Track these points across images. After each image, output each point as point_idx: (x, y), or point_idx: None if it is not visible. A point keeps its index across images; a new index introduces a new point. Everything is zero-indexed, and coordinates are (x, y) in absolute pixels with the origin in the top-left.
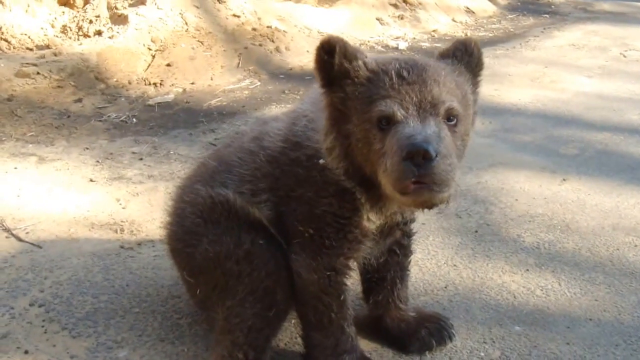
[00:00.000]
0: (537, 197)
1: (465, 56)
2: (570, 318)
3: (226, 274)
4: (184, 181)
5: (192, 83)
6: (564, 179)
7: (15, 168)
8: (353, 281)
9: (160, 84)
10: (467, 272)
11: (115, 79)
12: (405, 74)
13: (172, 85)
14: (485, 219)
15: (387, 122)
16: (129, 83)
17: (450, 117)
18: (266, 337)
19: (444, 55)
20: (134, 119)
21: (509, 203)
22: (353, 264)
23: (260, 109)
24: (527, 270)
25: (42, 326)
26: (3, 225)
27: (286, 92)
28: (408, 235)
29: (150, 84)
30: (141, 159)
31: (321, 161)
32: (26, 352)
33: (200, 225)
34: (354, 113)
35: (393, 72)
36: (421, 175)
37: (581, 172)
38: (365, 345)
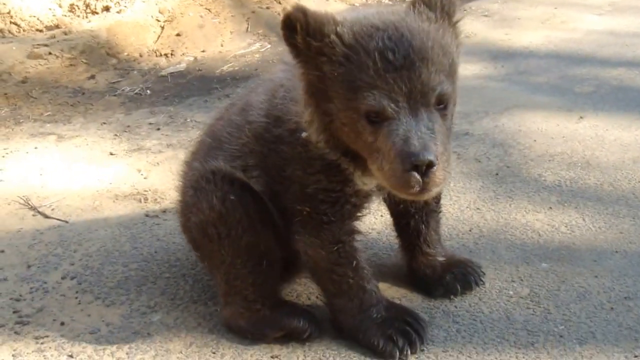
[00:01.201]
0: (555, 136)
1: (436, 2)
2: (596, 252)
3: (211, 240)
4: (186, 158)
5: (203, 51)
6: (581, 117)
7: (36, 148)
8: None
9: (172, 54)
10: (491, 214)
11: (126, 53)
12: (390, 56)
13: (183, 54)
14: (505, 161)
15: (377, 117)
16: (140, 56)
17: (440, 101)
18: (272, 285)
19: (417, 4)
20: (148, 91)
21: (528, 144)
22: (360, 225)
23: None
24: (550, 208)
25: (76, 297)
26: (29, 204)
27: None
28: None
29: (161, 55)
30: (158, 129)
31: (303, 134)
32: (62, 323)
33: (192, 197)
34: (335, 95)
35: (376, 54)
36: (425, 182)
37: (598, 109)
38: (395, 292)
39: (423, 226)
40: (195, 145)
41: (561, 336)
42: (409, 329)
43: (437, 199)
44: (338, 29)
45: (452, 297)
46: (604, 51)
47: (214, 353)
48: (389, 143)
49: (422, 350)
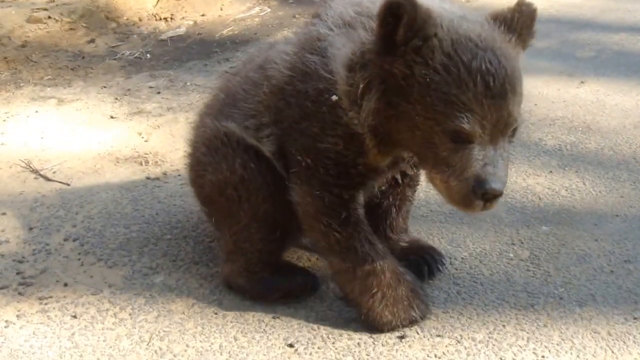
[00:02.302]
0: (556, 100)
1: (520, 26)
2: (597, 216)
3: (228, 200)
4: (198, 113)
5: (203, 15)
6: (582, 82)
7: (36, 111)
8: None
9: (171, 19)
10: None
11: (125, 17)
12: (491, 81)
13: (183, 18)
14: None
15: (462, 138)
16: (140, 20)
17: (513, 133)
18: (277, 254)
19: (499, 20)
20: (148, 55)
21: (528, 108)
22: (358, 194)
23: (272, 35)
24: (551, 172)
25: (79, 259)
26: (30, 167)
27: (297, 16)
28: (416, 165)
29: (160, 19)
30: (159, 92)
31: (334, 97)
32: (65, 284)
33: (206, 155)
34: (419, 100)
35: (479, 76)
36: (487, 207)
37: (599, 74)
38: None
39: (394, 210)
40: (209, 100)
41: (561, 298)
42: (413, 314)
43: (413, 189)
44: (439, 32)
45: None
46: (605, 16)
47: (215, 314)
48: (467, 164)
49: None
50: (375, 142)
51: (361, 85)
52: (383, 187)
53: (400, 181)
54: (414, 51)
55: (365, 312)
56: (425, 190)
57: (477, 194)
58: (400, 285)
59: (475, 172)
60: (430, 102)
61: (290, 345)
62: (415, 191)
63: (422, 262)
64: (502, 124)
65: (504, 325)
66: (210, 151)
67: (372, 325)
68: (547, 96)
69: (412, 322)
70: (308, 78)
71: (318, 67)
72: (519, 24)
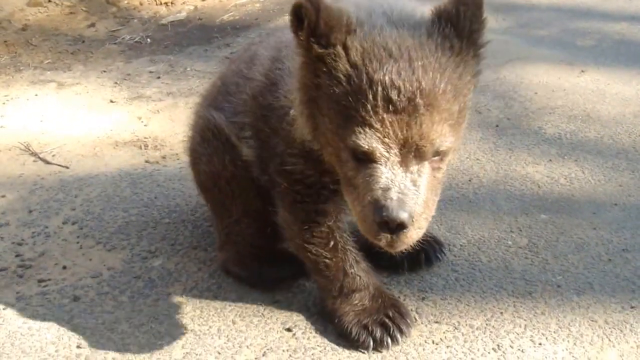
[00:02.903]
0: (556, 89)
1: (468, 22)
2: (595, 204)
3: (221, 192)
4: (199, 99)
5: (203, 0)
6: (582, 71)
7: (36, 95)
8: None
9: (172, 3)
10: (490, 165)
11: (126, 2)
12: (394, 95)
13: (184, 3)
14: (505, 113)
15: (364, 156)
16: (140, 4)
17: (438, 154)
18: (268, 248)
19: (444, 19)
20: (148, 40)
21: (529, 97)
22: (343, 211)
23: (273, 21)
24: (550, 160)
25: (77, 242)
26: (29, 150)
27: None
28: None
29: (161, 3)
30: (159, 77)
31: (292, 112)
32: (64, 267)
33: (200, 145)
34: (326, 112)
35: (380, 88)
36: (394, 240)
37: (599, 63)
38: None
39: None
40: (209, 86)
41: (559, 286)
42: (388, 322)
43: None
44: (347, 40)
45: (400, 270)
46: (606, 5)
47: (215, 297)
48: (368, 187)
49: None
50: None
51: (299, 110)
52: None
53: None
54: (319, 59)
55: (339, 316)
56: None
57: (378, 221)
58: (382, 298)
59: (375, 197)
60: (333, 115)
61: (288, 330)
62: None
63: (420, 250)
64: (412, 144)
65: (501, 313)
66: (204, 142)
67: (348, 340)
68: (547, 85)
69: (393, 341)
70: (274, 90)
71: (278, 79)
72: (466, 19)
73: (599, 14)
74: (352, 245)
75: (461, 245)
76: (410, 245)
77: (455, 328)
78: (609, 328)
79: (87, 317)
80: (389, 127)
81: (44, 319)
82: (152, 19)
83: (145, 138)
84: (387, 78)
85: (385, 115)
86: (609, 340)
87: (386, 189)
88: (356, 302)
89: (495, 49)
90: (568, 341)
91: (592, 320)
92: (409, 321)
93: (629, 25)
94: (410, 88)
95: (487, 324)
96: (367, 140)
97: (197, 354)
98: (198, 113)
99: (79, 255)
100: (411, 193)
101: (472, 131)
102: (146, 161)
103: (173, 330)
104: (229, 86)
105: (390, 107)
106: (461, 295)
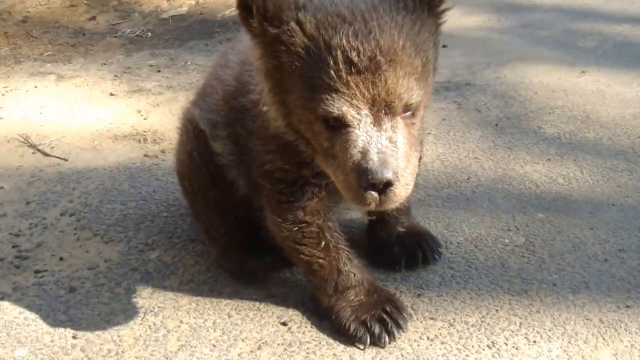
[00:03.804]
0: (556, 89)
1: None
2: (593, 204)
3: (186, 190)
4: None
5: None
6: (583, 71)
7: (36, 87)
8: None
9: None
10: (489, 163)
11: None
12: (354, 56)
13: None
14: (505, 112)
15: (335, 123)
16: None
17: (408, 108)
18: (246, 239)
19: None
20: (149, 33)
21: (529, 96)
22: (330, 205)
23: None
24: (549, 160)
25: (75, 234)
26: (28, 142)
27: None
28: None
29: None
30: (159, 71)
31: (264, 108)
32: (61, 258)
33: (177, 145)
34: (292, 89)
35: (339, 52)
36: (382, 200)
37: (600, 64)
38: None
39: None
40: (201, 82)
41: (555, 285)
42: (386, 317)
43: None
44: (300, 15)
45: (397, 268)
46: (609, 6)
47: (211, 291)
48: (347, 154)
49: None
50: (312, 147)
51: (266, 97)
52: None
53: None
54: (276, 40)
55: (336, 311)
56: (422, 174)
57: (364, 185)
58: (377, 293)
59: (356, 161)
60: (300, 90)
61: (284, 324)
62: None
63: (417, 249)
64: (380, 101)
65: (497, 310)
66: (180, 137)
67: (346, 336)
68: (547, 85)
69: (390, 337)
70: (245, 91)
71: (250, 80)
72: None
73: (601, 16)
74: (343, 243)
75: (458, 243)
76: (400, 203)
77: (451, 325)
78: (604, 327)
79: (83, 308)
80: (355, 89)
81: (40, 310)
82: (153, 13)
83: (144, 131)
84: (344, 42)
85: (349, 78)
86: (604, 339)
87: (365, 152)
88: (352, 297)
89: (497, 49)
90: (563, 339)
91: (587, 319)
92: (405, 315)
93: (630, 27)
94: (369, 47)
95: (482, 321)
96: (336, 105)
97: (192, 347)
98: (182, 111)
99: (76, 246)
100: (390, 150)
101: (472, 129)
102: (145, 155)
103: (168, 323)
104: (207, 87)
105: (353, 68)
106: (457, 293)
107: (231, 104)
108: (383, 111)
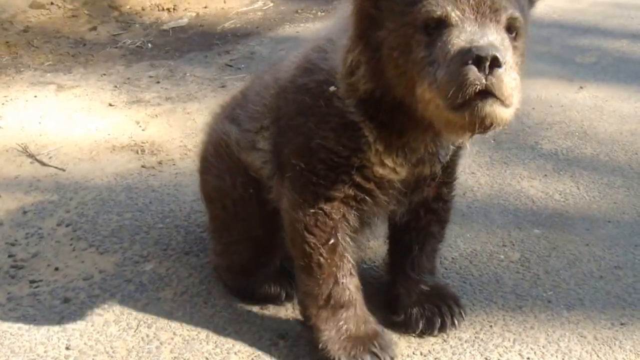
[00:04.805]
0: (554, 105)
1: None
2: (589, 221)
3: (226, 209)
4: (217, 110)
5: (205, 7)
6: (581, 87)
7: (35, 96)
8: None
9: (174, 9)
10: (485, 179)
11: (128, 6)
12: None
13: (185, 9)
14: None
15: (438, 26)
16: (143, 9)
17: (511, 27)
18: (259, 271)
19: None
20: (149, 44)
21: (526, 111)
22: (354, 214)
23: (274, 30)
24: (546, 175)
25: (70, 244)
26: (26, 151)
27: (299, 12)
28: (443, 198)
29: (163, 9)
30: (158, 82)
31: (332, 88)
32: (56, 269)
33: (212, 156)
34: (389, 16)
35: None
36: (490, 82)
37: (599, 80)
38: None
39: (416, 247)
40: (230, 97)
41: (549, 301)
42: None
43: (441, 225)
44: None
45: (410, 331)
46: (607, 22)
47: (205, 303)
48: (448, 46)
49: None
50: (377, 132)
51: (355, 52)
52: (402, 217)
53: (422, 215)
54: None
55: (324, 340)
56: None
57: (468, 61)
58: (366, 325)
59: (460, 46)
60: (398, 9)
61: (278, 338)
62: (443, 228)
63: (437, 314)
64: (485, 8)
65: (491, 326)
66: (217, 156)
67: (324, 357)
68: (545, 100)
69: None
70: (309, 72)
71: (319, 61)
72: None
73: (600, 32)
74: (351, 255)
75: (453, 258)
76: (504, 121)
77: (444, 340)
78: (598, 344)
79: (77, 319)
80: None
81: (34, 320)
82: (154, 24)
83: (142, 143)
84: None
85: None
86: (598, 356)
87: (470, 40)
88: (342, 323)
89: None
90: (557, 356)
91: (582, 336)
92: (391, 355)
93: (629, 43)
94: None
95: (476, 337)
96: (439, 5)
97: (185, 359)
98: (212, 125)
99: (71, 257)
100: (498, 42)
101: (469, 144)
102: (142, 166)
103: (162, 335)
104: (248, 97)
105: None
106: None
107: (286, 90)
108: (488, 18)
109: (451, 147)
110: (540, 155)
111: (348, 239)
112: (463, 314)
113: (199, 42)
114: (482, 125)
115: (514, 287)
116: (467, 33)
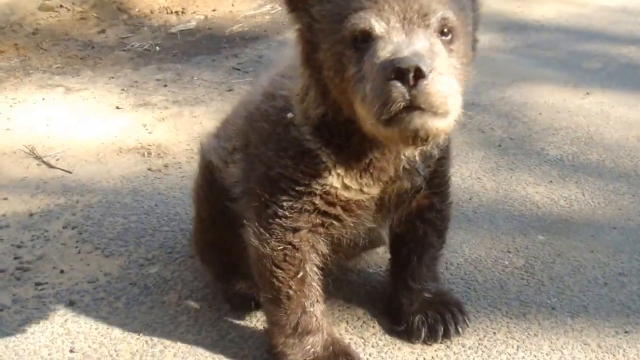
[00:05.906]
0: (560, 110)
1: None
2: (594, 227)
3: (198, 224)
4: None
5: (214, 10)
6: (587, 93)
7: (43, 99)
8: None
9: (182, 12)
10: (491, 184)
11: (137, 9)
12: None
13: (194, 12)
14: (508, 132)
15: (364, 40)
16: (151, 12)
17: (444, 30)
18: (234, 271)
19: None
20: (157, 48)
21: (533, 117)
22: (323, 241)
23: (282, 34)
24: (551, 181)
25: (76, 247)
26: (34, 153)
27: None
28: (437, 208)
29: (172, 12)
30: (165, 85)
31: (289, 115)
32: (62, 271)
33: (199, 164)
34: (322, 37)
35: None
36: (413, 96)
37: (605, 86)
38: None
39: (414, 258)
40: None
41: (553, 308)
42: None
43: (438, 234)
44: None
45: (413, 340)
46: (614, 28)
47: (210, 307)
48: (373, 59)
49: None
50: (335, 159)
51: (305, 77)
52: (398, 229)
53: (418, 225)
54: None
55: None
56: None
57: (390, 75)
58: (335, 346)
59: (383, 59)
60: (328, 29)
61: None
62: (441, 236)
63: (440, 321)
64: (412, 13)
65: (494, 333)
66: (200, 174)
67: None
68: (552, 106)
69: None
70: (271, 98)
71: (279, 88)
72: None
73: (607, 37)
74: (317, 282)
75: (458, 264)
76: (437, 132)
77: (447, 347)
78: (602, 352)
79: (81, 322)
80: (383, 2)
81: (38, 322)
82: (162, 28)
83: (149, 145)
84: None
85: None
86: None
87: (394, 51)
88: (308, 347)
89: (502, 69)
90: None
91: (585, 344)
92: None
93: (636, 49)
94: None
95: (479, 344)
96: (363, 18)
97: None
98: (203, 140)
99: (76, 260)
100: (426, 49)
101: (475, 150)
102: (148, 169)
103: (166, 338)
104: (232, 115)
105: None
106: None
107: (252, 116)
108: (416, 24)
109: (433, 157)
110: (546, 161)
111: (315, 269)
112: (467, 320)
113: (206, 46)
114: (416, 138)
115: (518, 294)
116: (392, 44)
